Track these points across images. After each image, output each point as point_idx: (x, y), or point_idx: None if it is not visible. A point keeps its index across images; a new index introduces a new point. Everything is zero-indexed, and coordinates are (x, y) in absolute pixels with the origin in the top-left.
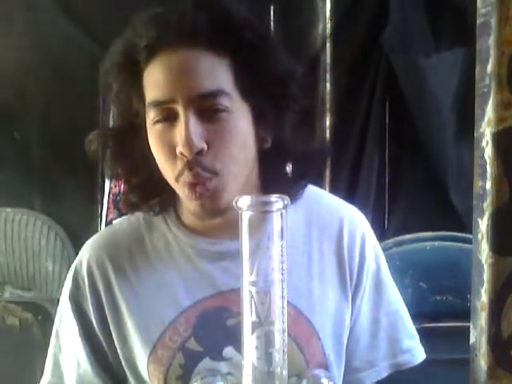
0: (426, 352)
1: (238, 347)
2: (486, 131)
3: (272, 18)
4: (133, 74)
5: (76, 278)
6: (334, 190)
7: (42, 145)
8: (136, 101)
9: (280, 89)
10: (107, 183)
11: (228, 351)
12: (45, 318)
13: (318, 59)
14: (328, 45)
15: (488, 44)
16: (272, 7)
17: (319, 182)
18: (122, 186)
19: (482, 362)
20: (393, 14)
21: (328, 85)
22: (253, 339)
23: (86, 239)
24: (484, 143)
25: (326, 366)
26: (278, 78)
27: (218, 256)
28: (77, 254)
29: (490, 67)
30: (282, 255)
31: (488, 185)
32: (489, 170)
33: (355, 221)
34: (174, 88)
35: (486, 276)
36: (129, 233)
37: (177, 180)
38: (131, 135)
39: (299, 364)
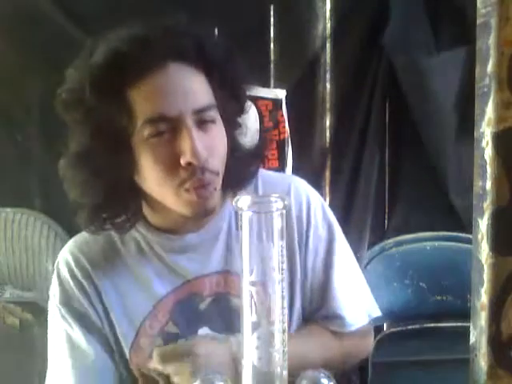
0: (426, 352)
1: (213, 327)
2: (486, 131)
3: (272, 18)
4: (116, 91)
5: (61, 285)
6: (333, 189)
7: (42, 145)
8: (119, 118)
9: (240, 101)
10: None
11: (203, 331)
12: (45, 318)
13: (318, 59)
14: (328, 45)
15: (488, 44)
16: (272, 7)
17: (319, 182)
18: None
19: (482, 362)
20: (393, 14)
21: (328, 85)
22: (253, 339)
23: None
24: (484, 143)
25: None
26: (240, 92)
27: (182, 249)
28: None
29: (490, 67)
30: (282, 255)
31: (488, 185)
32: (489, 170)
33: (299, 187)
34: (175, 103)
35: (486, 276)
36: (101, 237)
37: (179, 186)
38: (108, 152)
39: None
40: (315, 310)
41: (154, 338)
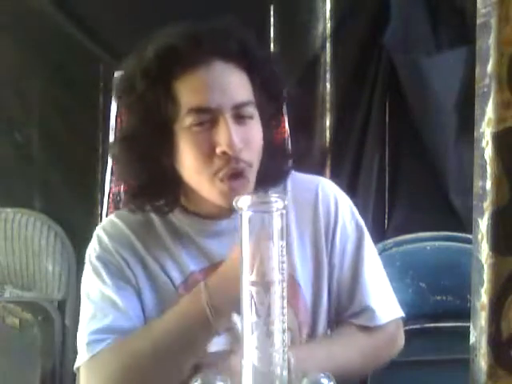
0: (426, 352)
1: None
2: (485, 131)
3: (272, 18)
4: (164, 81)
5: (101, 243)
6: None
7: (42, 145)
8: (165, 106)
9: (277, 105)
10: (107, 183)
11: (234, 316)
12: (45, 318)
13: (318, 59)
14: (328, 45)
15: (488, 44)
16: (272, 7)
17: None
18: (122, 186)
19: (482, 362)
20: (394, 13)
21: (328, 85)
22: (253, 339)
23: (86, 239)
24: (484, 143)
25: (308, 316)
26: (278, 93)
27: (214, 233)
28: (77, 253)
29: (489, 67)
30: (282, 255)
31: (488, 185)
32: (489, 170)
33: (327, 186)
34: (218, 97)
35: (486, 276)
36: (140, 215)
37: (215, 175)
38: (153, 137)
39: (290, 317)
40: (344, 308)
41: None
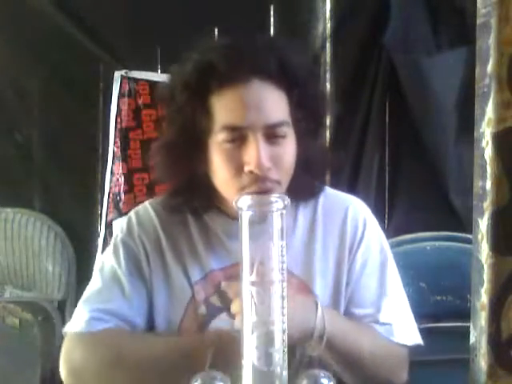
0: (426, 352)
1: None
2: (485, 131)
3: (272, 18)
4: (202, 96)
5: (129, 226)
6: (333, 189)
7: (42, 145)
8: (200, 119)
9: (317, 120)
10: (107, 183)
11: None
12: (45, 318)
13: (318, 59)
14: (328, 45)
15: (488, 44)
16: (272, 7)
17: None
18: (122, 186)
19: (482, 362)
20: (394, 14)
21: (328, 85)
22: (253, 339)
23: (86, 239)
24: (484, 143)
25: None
26: (317, 110)
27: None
28: (77, 254)
29: (489, 67)
30: (282, 255)
31: (488, 185)
32: (489, 170)
33: (358, 208)
34: (250, 116)
35: (486, 276)
36: (177, 209)
37: (242, 189)
38: (189, 147)
39: None
40: (363, 316)
41: (200, 304)
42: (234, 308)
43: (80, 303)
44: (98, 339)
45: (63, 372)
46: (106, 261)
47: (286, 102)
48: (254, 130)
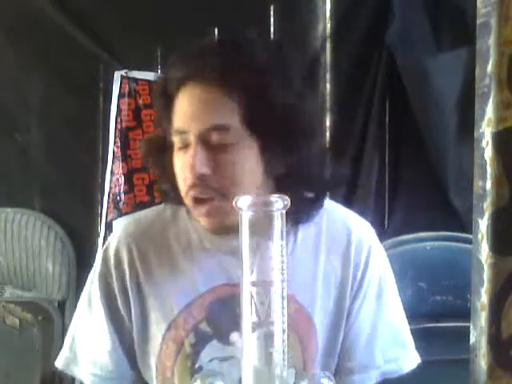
0: (426, 352)
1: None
2: (485, 131)
3: (272, 18)
4: (167, 102)
5: (105, 259)
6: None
7: (42, 145)
8: (166, 125)
9: (286, 127)
10: (107, 183)
11: (234, 336)
12: (45, 318)
13: (318, 59)
14: (328, 45)
15: (488, 44)
16: (272, 7)
17: None
18: (122, 186)
19: (482, 362)
20: (396, 14)
21: (328, 85)
22: (253, 339)
23: (86, 239)
24: (484, 143)
25: (317, 356)
26: (285, 117)
27: (233, 250)
28: (77, 253)
29: (489, 67)
30: (282, 255)
31: (488, 185)
32: (489, 170)
33: (363, 235)
34: (189, 120)
35: (485, 276)
36: (156, 223)
37: (186, 195)
38: (164, 148)
39: (297, 354)
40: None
41: (187, 334)
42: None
43: (67, 336)
44: None
45: None
46: (88, 301)
47: (231, 107)
48: (193, 134)
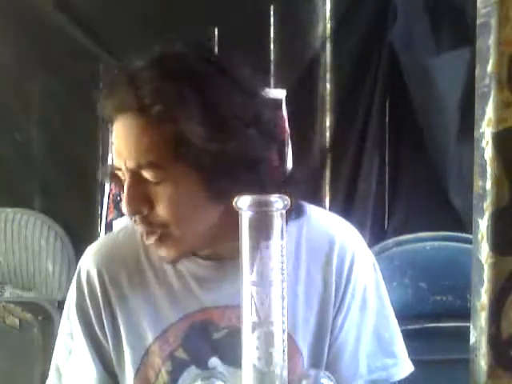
0: (426, 352)
1: (223, 357)
2: (486, 131)
3: (272, 18)
4: (111, 132)
5: (79, 285)
6: (333, 190)
7: (42, 145)
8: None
9: (224, 162)
10: (107, 183)
11: (213, 361)
12: (45, 318)
13: (317, 59)
14: (328, 45)
15: (488, 44)
16: (272, 7)
17: (319, 183)
18: None
19: (482, 361)
20: (399, 14)
21: (328, 85)
22: (253, 339)
23: (86, 239)
24: (484, 143)
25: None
26: (223, 151)
27: (206, 277)
28: (77, 253)
29: (489, 67)
30: (282, 255)
31: (488, 185)
32: (489, 170)
33: (346, 242)
34: (119, 157)
35: (486, 276)
36: (127, 246)
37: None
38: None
39: None
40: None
41: (164, 361)
42: None
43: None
44: None
45: None
46: (69, 330)
47: (168, 139)
48: (126, 170)
